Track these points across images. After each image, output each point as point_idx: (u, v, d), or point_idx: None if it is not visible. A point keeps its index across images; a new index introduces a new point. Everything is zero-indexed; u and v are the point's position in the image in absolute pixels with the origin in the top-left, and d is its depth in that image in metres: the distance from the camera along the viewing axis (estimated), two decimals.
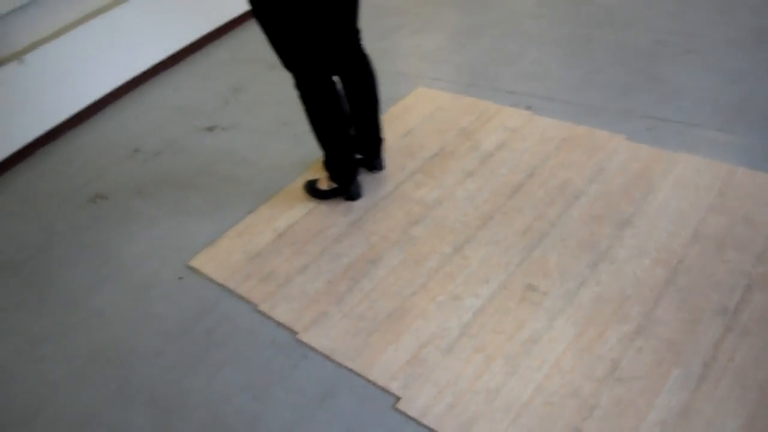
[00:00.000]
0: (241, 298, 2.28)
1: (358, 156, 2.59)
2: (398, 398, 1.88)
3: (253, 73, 3.65)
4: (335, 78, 2.34)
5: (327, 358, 2.03)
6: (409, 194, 2.56)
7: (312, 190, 2.58)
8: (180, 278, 2.42)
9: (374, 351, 2.02)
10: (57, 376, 2.16)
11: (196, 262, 2.46)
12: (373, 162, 2.62)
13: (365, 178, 2.65)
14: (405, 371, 1.94)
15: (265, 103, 3.34)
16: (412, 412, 1.83)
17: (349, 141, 2.42)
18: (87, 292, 2.45)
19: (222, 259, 2.44)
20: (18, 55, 3.01)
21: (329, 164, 2.46)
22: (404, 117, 3.01)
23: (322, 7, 2.12)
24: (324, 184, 2.55)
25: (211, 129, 3.27)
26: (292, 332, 2.13)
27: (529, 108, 2.90)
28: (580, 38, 3.40)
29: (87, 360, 2.19)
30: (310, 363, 2.03)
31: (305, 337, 2.10)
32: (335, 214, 2.54)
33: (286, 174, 2.80)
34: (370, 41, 2.47)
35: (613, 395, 1.77)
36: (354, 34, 2.33)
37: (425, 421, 1.80)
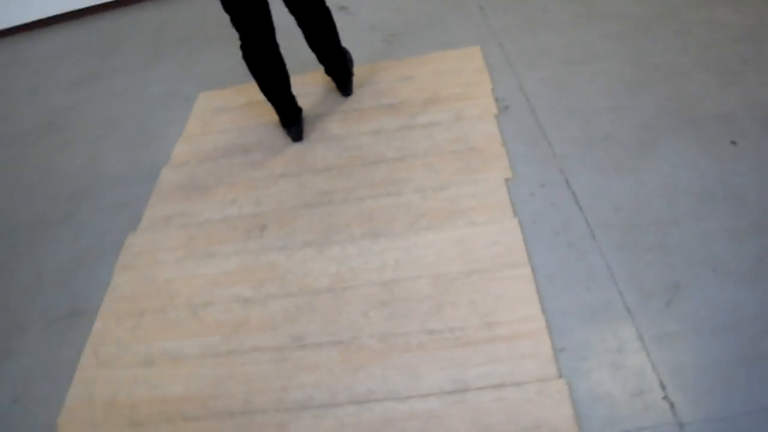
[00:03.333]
0: None
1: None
2: None
3: None
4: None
5: None
6: (329, 131, 3.07)
7: None
8: None
9: None
10: None
11: None
12: (342, 88, 3.10)
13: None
14: None
15: None
16: None
17: (286, 97, 2.83)
18: None
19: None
20: None
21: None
22: (430, 64, 3.27)
23: None
24: None
25: None
26: None
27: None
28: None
29: None
30: None
31: None
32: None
33: None
34: None
35: None
36: None
37: None
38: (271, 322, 2.24)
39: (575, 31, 3.28)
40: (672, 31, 3.15)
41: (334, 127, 2.98)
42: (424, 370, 2.01)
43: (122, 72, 3.85)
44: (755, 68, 2.82)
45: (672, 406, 1.82)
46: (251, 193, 2.74)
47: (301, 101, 3.04)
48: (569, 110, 2.78)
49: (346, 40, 3.42)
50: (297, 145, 2.91)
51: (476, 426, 1.85)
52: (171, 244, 2.62)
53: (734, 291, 2.02)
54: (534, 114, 2.79)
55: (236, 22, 2.56)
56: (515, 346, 2.01)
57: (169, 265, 2.54)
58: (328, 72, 3.02)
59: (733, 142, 2.50)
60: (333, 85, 3.15)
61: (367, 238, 2.44)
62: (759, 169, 2.38)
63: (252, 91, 3.26)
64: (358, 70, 3.27)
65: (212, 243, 2.57)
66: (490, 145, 2.68)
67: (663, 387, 1.86)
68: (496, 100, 2.91)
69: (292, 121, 2.85)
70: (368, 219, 2.51)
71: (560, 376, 1.92)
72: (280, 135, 2.97)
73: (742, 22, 3.12)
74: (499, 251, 2.28)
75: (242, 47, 2.65)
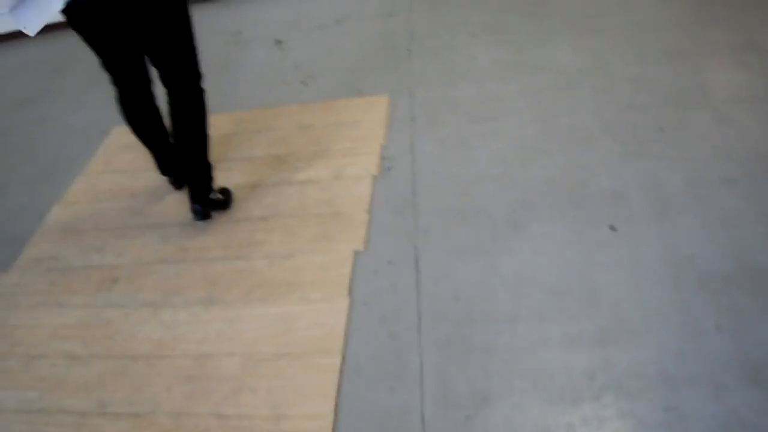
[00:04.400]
0: None
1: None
2: None
3: None
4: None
5: None
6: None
7: None
8: None
9: None
10: None
11: None
12: (193, 200, 2.67)
13: None
14: None
15: None
16: None
17: (162, 148, 2.73)
18: None
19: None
20: None
21: None
22: (333, 113, 3.19)
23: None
24: None
25: None
26: None
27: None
28: None
29: None
30: None
31: None
32: None
33: None
34: None
35: None
36: (177, 65, 2.39)
37: None
38: (86, 383, 2.25)
39: (494, 83, 3.13)
40: (595, 89, 2.95)
41: (218, 177, 2.93)
42: None
43: (60, 95, 3.92)
44: (669, 138, 2.61)
45: None
46: (118, 242, 2.74)
47: None
48: (451, 176, 2.64)
49: (267, 78, 3.38)
50: (178, 195, 2.89)
51: None
52: (32, 288, 2.65)
53: (546, 411, 1.89)
54: (413, 178, 2.68)
55: (113, 77, 2.53)
56: None
57: (23, 310, 2.57)
58: (183, 176, 2.72)
59: (613, 228, 2.32)
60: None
61: (201, 305, 2.40)
62: (628, 264, 2.20)
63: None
64: (267, 113, 3.22)
65: (67, 292, 2.59)
66: (355, 210, 2.58)
67: None
68: (383, 158, 2.79)
69: (169, 170, 2.81)
70: (210, 283, 2.46)
71: None
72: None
73: (675, 83, 2.89)
74: (317, 334, 2.20)
75: (117, 100, 2.61)
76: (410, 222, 2.51)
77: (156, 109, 2.65)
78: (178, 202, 2.84)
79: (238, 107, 3.37)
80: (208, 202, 2.68)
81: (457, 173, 2.66)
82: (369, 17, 3.95)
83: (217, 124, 3.19)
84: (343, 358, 2.13)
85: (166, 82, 2.44)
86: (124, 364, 2.28)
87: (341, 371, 2.10)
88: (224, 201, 2.75)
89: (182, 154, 2.57)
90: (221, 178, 2.92)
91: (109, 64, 2.44)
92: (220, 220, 2.72)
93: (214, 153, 3.07)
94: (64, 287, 2.63)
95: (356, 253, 2.44)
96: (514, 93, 3.04)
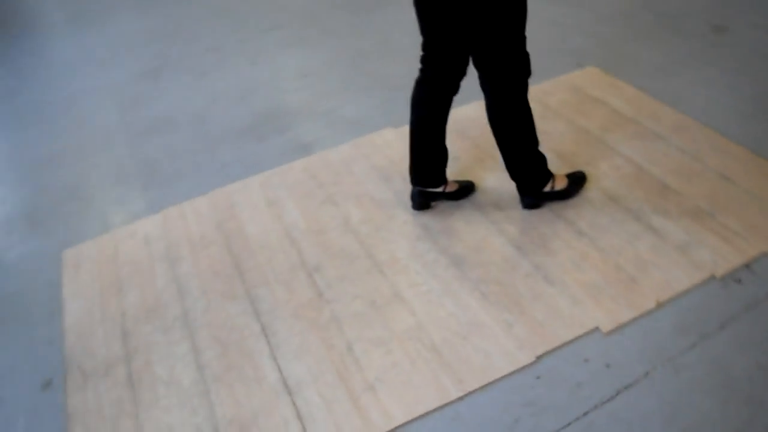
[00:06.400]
0: None
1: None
2: None
3: None
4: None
5: None
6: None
7: None
8: None
9: None
10: None
11: None
12: (521, 192, 2.64)
13: None
14: None
15: None
16: None
17: (415, 145, 2.55)
18: None
19: None
20: None
21: None
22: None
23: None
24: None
25: None
26: None
27: None
28: None
29: None
30: None
31: None
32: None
33: None
34: None
35: None
36: (500, 69, 2.29)
37: None
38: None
39: None
40: None
41: (603, 165, 2.81)
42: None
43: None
44: None
45: None
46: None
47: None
48: None
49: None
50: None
51: None
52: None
53: None
54: (756, 313, 2.17)
55: (425, 60, 2.45)
56: None
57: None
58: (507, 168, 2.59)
59: None
60: None
61: (451, 265, 2.49)
62: None
63: None
64: (710, 136, 2.87)
65: None
66: (650, 293, 2.23)
67: None
68: (745, 267, 2.29)
69: (419, 180, 2.72)
70: (475, 250, 2.51)
71: None
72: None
73: None
74: (476, 361, 2.13)
75: (417, 81, 2.51)
76: (681, 347, 2.09)
77: (448, 107, 2.48)
78: None
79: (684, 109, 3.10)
80: (540, 195, 2.61)
81: None
82: None
83: (658, 114, 3.09)
84: (461, 398, 2.04)
85: (485, 85, 2.37)
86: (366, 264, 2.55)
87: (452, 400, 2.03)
88: (565, 191, 2.62)
89: (504, 153, 2.51)
90: (606, 166, 2.81)
91: (429, 44, 2.36)
92: (556, 204, 2.64)
93: (632, 141, 2.94)
94: None
95: (594, 330, 2.17)
96: None
